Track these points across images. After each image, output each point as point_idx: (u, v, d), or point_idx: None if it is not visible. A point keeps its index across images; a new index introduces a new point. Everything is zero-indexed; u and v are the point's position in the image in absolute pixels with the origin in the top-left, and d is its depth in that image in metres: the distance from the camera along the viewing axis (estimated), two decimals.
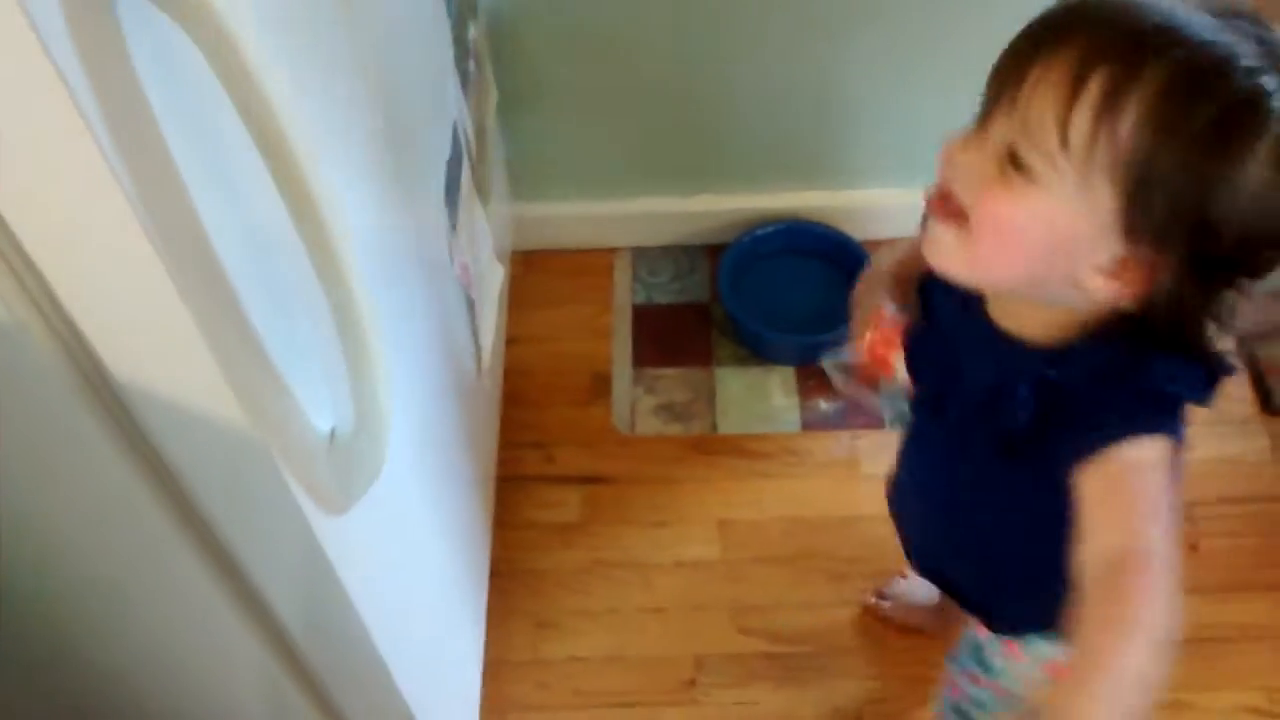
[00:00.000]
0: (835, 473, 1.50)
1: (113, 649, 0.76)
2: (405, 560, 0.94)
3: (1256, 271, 0.71)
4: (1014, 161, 0.69)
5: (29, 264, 0.47)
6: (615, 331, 1.65)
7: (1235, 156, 0.65)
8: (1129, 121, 0.65)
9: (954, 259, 0.74)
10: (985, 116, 0.71)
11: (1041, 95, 0.67)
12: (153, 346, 0.51)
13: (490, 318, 1.29)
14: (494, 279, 1.33)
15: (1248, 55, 0.66)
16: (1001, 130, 0.69)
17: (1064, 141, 0.67)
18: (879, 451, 1.47)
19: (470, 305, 1.18)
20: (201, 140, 0.52)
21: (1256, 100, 0.65)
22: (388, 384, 0.64)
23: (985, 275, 0.75)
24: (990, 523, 0.90)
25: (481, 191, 1.27)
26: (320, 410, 0.65)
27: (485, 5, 1.35)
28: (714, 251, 1.70)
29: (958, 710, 1.13)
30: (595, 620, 1.39)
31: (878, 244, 1.28)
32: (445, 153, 1.07)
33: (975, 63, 0.73)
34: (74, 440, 0.55)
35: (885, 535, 1.41)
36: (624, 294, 1.69)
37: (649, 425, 1.55)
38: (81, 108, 0.41)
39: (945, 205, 0.73)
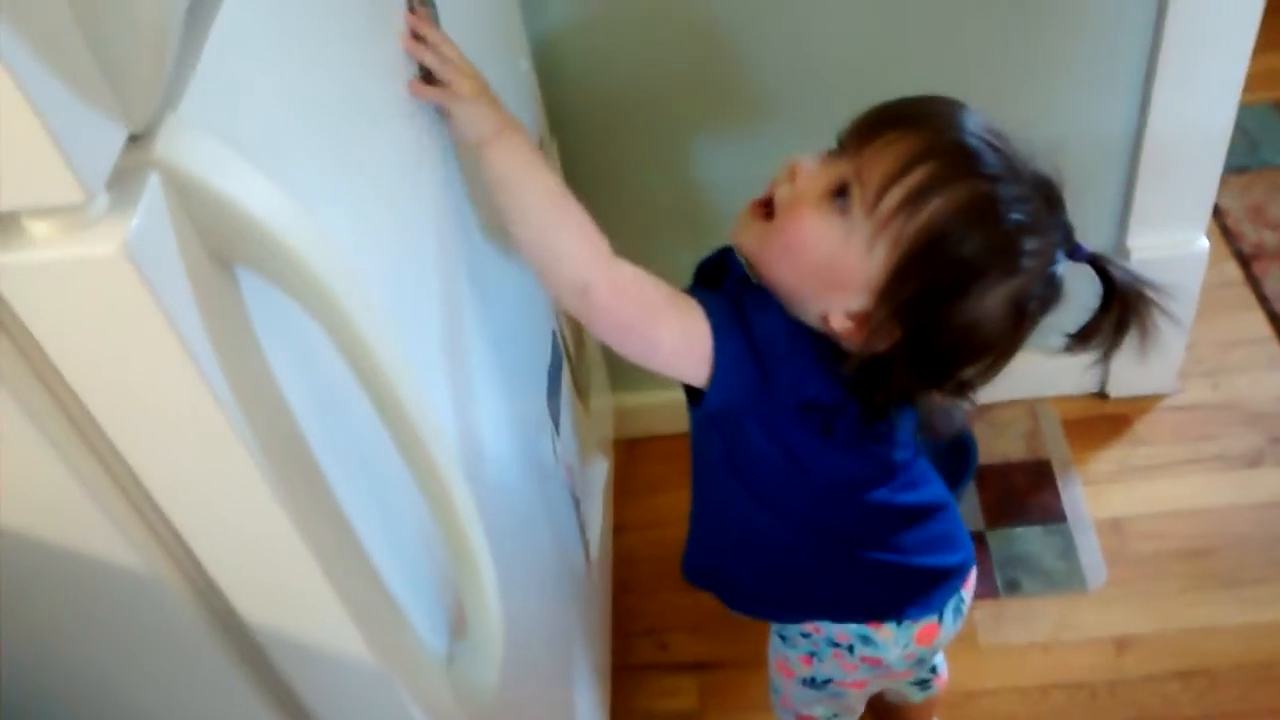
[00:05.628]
0: (951, 645, 1.47)
1: None
2: None
3: (945, 384, 0.86)
4: (840, 193, 0.81)
5: (163, 519, 0.52)
6: None
7: (981, 286, 0.80)
8: (924, 217, 0.78)
9: (750, 239, 0.86)
10: (837, 153, 0.84)
11: (881, 158, 0.80)
12: (280, 591, 0.55)
13: (596, 512, 1.32)
14: (597, 474, 1.36)
15: (1030, 211, 0.80)
16: (844, 168, 0.82)
17: (876, 203, 0.79)
18: (996, 622, 1.45)
19: (576, 504, 1.21)
20: (313, 381, 0.57)
21: (1015, 252, 0.80)
22: (498, 602, 0.66)
23: (766, 262, 0.86)
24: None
25: (580, 391, 1.31)
26: (436, 629, 0.69)
27: None
28: None
29: None
30: None
31: None
32: (546, 360, 1.12)
33: None
34: (207, 678, 0.59)
35: (1008, 708, 1.39)
36: None
37: None
38: (209, 380, 0.46)
39: (763, 208, 0.86)
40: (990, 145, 0.81)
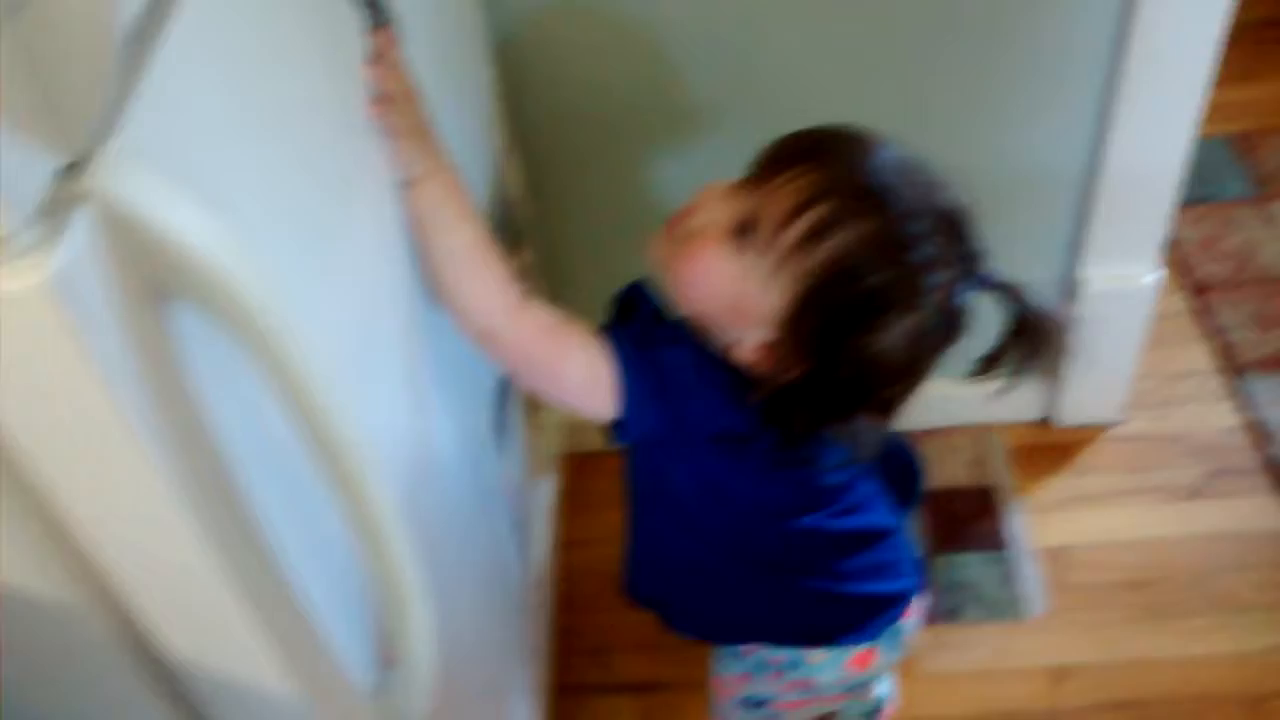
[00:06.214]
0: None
1: None
2: None
3: (856, 410, 0.86)
4: (744, 228, 0.82)
5: (82, 552, 0.50)
6: None
7: (881, 322, 0.80)
8: (822, 254, 0.79)
9: (659, 258, 0.88)
10: (746, 184, 0.84)
11: (782, 194, 0.80)
12: (198, 620, 0.54)
13: (541, 528, 1.31)
14: (544, 489, 1.35)
15: (932, 247, 0.80)
16: (750, 202, 0.82)
17: (774, 239, 0.80)
18: (935, 649, 1.45)
19: (520, 520, 1.20)
20: (246, 413, 0.56)
21: (916, 289, 0.80)
22: (430, 636, 0.65)
23: (674, 286, 0.87)
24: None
25: (529, 404, 1.30)
26: (363, 660, 0.68)
27: (531, 219, 1.41)
28: None
29: None
30: None
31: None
32: (494, 373, 1.11)
33: None
34: (119, 702, 0.58)
35: None
36: None
37: None
38: (130, 418, 0.44)
39: (674, 224, 0.87)
40: (893, 181, 0.81)
